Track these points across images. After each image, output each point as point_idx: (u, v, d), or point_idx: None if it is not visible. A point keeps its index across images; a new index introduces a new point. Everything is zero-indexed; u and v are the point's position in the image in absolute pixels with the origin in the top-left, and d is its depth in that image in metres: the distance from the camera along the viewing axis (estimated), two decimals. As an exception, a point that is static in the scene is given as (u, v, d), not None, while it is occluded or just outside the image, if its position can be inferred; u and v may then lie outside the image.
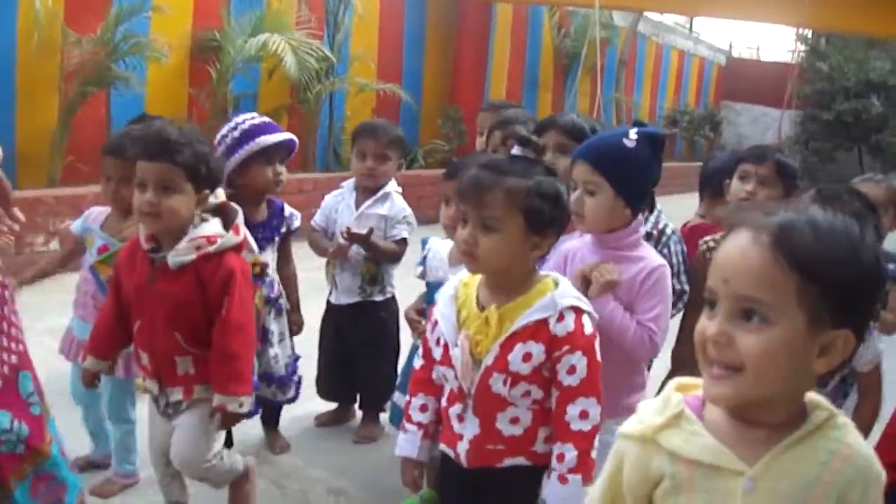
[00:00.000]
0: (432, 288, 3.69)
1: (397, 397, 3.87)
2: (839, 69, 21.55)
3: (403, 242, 4.65)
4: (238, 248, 3.20)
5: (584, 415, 2.57)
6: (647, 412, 1.75)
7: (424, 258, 3.80)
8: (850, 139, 21.67)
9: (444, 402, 2.81)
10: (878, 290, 1.64)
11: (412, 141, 13.25)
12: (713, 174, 4.51)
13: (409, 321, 3.82)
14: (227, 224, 3.19)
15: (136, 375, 3.77)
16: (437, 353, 2.75)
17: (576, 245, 3.22)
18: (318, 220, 4.77)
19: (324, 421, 4.94)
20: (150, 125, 3.31)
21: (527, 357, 2.57)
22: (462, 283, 2.76)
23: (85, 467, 3.98)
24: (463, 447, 2.72)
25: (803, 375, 1.60)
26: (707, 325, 1.61)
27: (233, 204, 3.31)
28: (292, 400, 4.39)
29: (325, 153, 11.56)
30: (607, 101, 17.79)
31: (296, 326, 4.44)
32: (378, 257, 4.67)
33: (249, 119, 4.11)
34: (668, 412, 1.71)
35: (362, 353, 4.79)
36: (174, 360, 3.17)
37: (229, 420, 3.18)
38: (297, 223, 4.33)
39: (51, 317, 5.36)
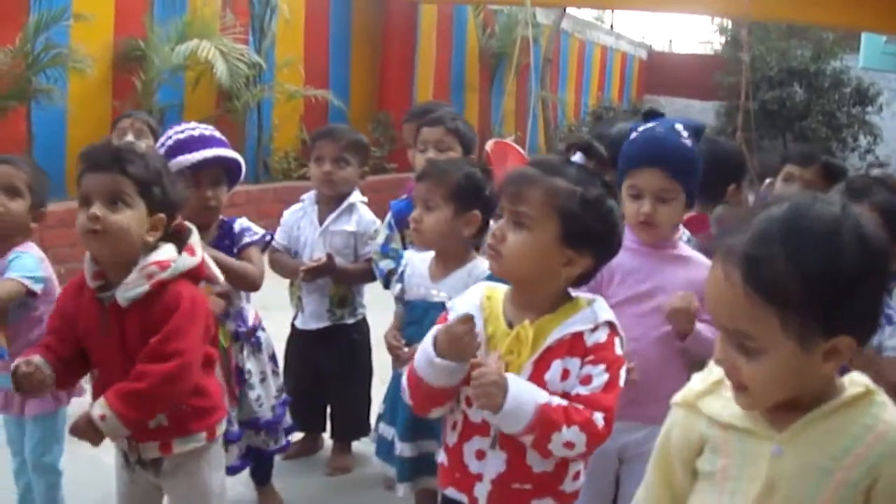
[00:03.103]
0: (414, 307, 3.40)
1: (382, 428, 3.55)
2: (761, 59, 21.67)
3: (377, 259, 4.32)
4: (194, 273, 2.78)
5: (568, 445, 2.25)
6: (694, 381, 1.86)
7: (402, 275, 3.48)
8: (776, 127, 21.81)
9: (452, 439, 2.48)
10: (871, 284, 1.60)
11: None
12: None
13: (390, 347, 3.48)
14: (181, 247, 2.78)
15: (65, 404, 3.42)
16: None
17: None
18: (279, 239, 4.41)
19: (292, 453, 4.56)
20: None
21: (565, 374, 2.31)
22: (485, 297, 2.46)
23: None
24: (483, 490, 2.39)
25: (811, 380, 1.65)
26: (716, 347, 1.70)
27: (187, 223, 2.88)
28: (284, 448, 3.96)
29: (255, 164, 11.09)
30: (535, 100, 17.65)
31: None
32: (351, 282, 4.36)
33: (177, 133, 3.57)
34: (709, 379, 1.81)
35: (333, 379, 4.48)
36: None
37: (82, 429, 2.56)
38: (248, 238, 3.68)
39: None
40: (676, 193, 2.98)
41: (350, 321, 4.45)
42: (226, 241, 3.66)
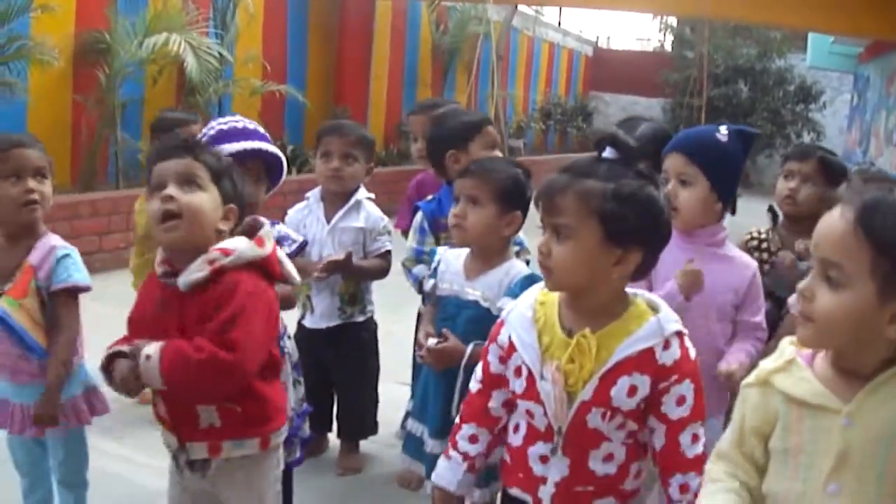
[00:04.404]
0: (447, 303, 3.36)
1: (411, 424, 3.49)
2: (708, 56, 22.02)
3: (387, 254, 4.29)
4: (262, 265, 2.63)
5: (695, 438, 2.30)
6: (765, 362, 1.99)
7: (436, 270, 3.44)
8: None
9: (516, 440, 2.45)
10: None
11: (300, 144, 12.81)
12: None
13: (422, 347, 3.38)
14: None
15: (88, 422, 3.30)
16: (518, 385, 2.37)
17: None
18: (286, 239, 4.30)
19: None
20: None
21: (632, 391, 2.24)
22: (538, 303, 2.39)
23: None
24: (547, 492, 2.36)
25: (873, 336, 1.78)
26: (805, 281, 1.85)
27: (261, 218, 2.77)
28: (298, 462, 3.65)
29: (217, 159, 10.85)
30: (486, 97, 17.68)
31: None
32: (365, 279, 4.32)
33: (220, 123, 3.40)
34: (781, 359, 1.95)
35: (342, 378, 4.43)
36: (195, 410, 2.60)
37: (124, 375, 2.47)
38: (286, 249, 3.39)
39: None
40: (696, 178, 3.08)
41: (360, 319, 4.38)
42: None
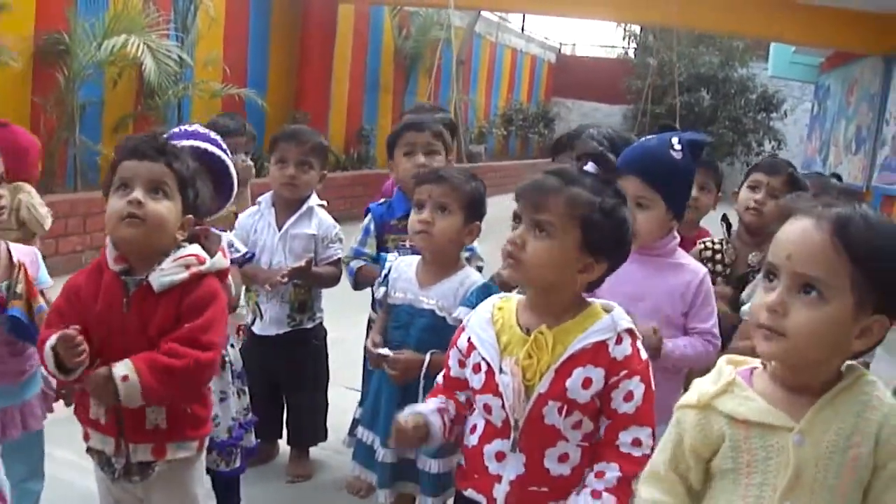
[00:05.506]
0: (400, 311, 3.36)
1: (361, 432, 3.48)
2: (670, 64, 22.19)
3: (339, 262, 4.28)
4: (223, 274, 2.75)
5: (636, 442, 2.35)
6: (702, 384, 1.96)
7: (386, 277, 3.43)
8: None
9: (472, 440, 2.52)
10: None
11: (259, 148, 12.76)
12: None
13: (369, 354, 3.41)
14: (209, 250, 2.73)
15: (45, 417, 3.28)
16: (477, 380, 2.45)
17: None
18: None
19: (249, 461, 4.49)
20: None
21: (587, 383, 2.32)
22: (496, 307, 2.50)
23: None
24: (501, 491, 2.42)
25: (842, 350, 1.82)
26: (765, 295, 1.83)
27: (213, 229, 2.83)
28: (239, 471, 3.58)
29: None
30: (447, 102, 17.70)
31: None
32: (319, 286, 4.33)
33: (176, 133, 3.26)
34: (721, 381, 1.93)
35: (292, 385, 4.42)
36: (142, 410, 2.59)
37: (98, 386, 2.46)
38: (230, 255, 3.30)
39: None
40: (654, 202, 3.06)
41: (309, 326, 4.38)
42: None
